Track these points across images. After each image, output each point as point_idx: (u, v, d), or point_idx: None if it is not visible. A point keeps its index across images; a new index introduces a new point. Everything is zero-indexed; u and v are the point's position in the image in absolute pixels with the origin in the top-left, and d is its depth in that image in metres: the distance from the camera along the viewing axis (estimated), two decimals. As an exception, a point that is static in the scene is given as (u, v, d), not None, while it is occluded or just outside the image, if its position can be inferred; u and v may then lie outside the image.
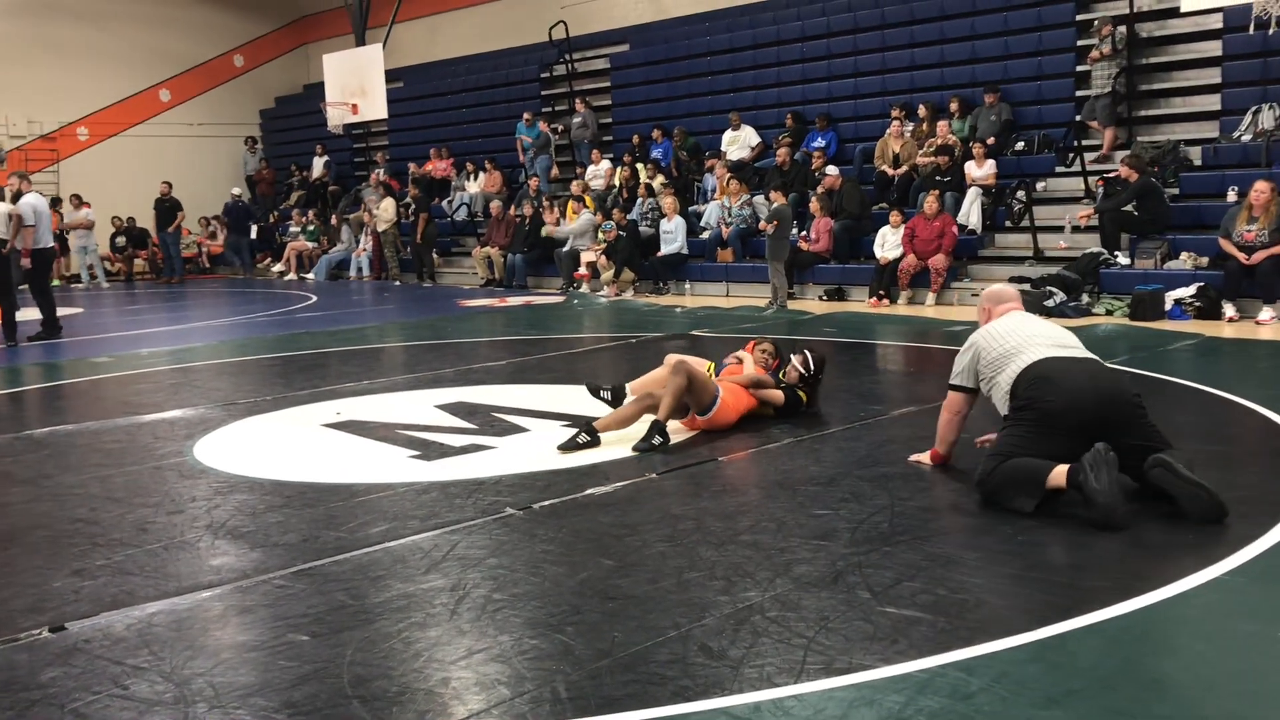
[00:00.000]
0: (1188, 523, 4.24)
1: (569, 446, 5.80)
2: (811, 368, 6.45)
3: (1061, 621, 3.31)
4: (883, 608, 3.48)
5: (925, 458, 5.30)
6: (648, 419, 5.93)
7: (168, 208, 21.50)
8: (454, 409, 7.04)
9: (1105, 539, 4.14)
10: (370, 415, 6.95)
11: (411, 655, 3.25)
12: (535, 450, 5.87)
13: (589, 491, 4.98)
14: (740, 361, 6.63)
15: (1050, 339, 4.80)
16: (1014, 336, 4.79)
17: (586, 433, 5.86)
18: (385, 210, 18.82)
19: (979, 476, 4.59)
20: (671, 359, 6.26)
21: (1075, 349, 4.77)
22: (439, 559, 4.12)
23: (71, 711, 2.96)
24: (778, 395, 6.41)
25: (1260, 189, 10.17)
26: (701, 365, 6.49)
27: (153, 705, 2.98)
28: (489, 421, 6.64)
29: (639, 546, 4.20)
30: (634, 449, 5.72)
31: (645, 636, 3.32)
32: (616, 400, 6.43)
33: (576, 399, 7.23)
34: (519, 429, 6.41)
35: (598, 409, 6.77)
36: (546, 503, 4.83)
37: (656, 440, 5.79)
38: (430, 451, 5.89)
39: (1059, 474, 4.30)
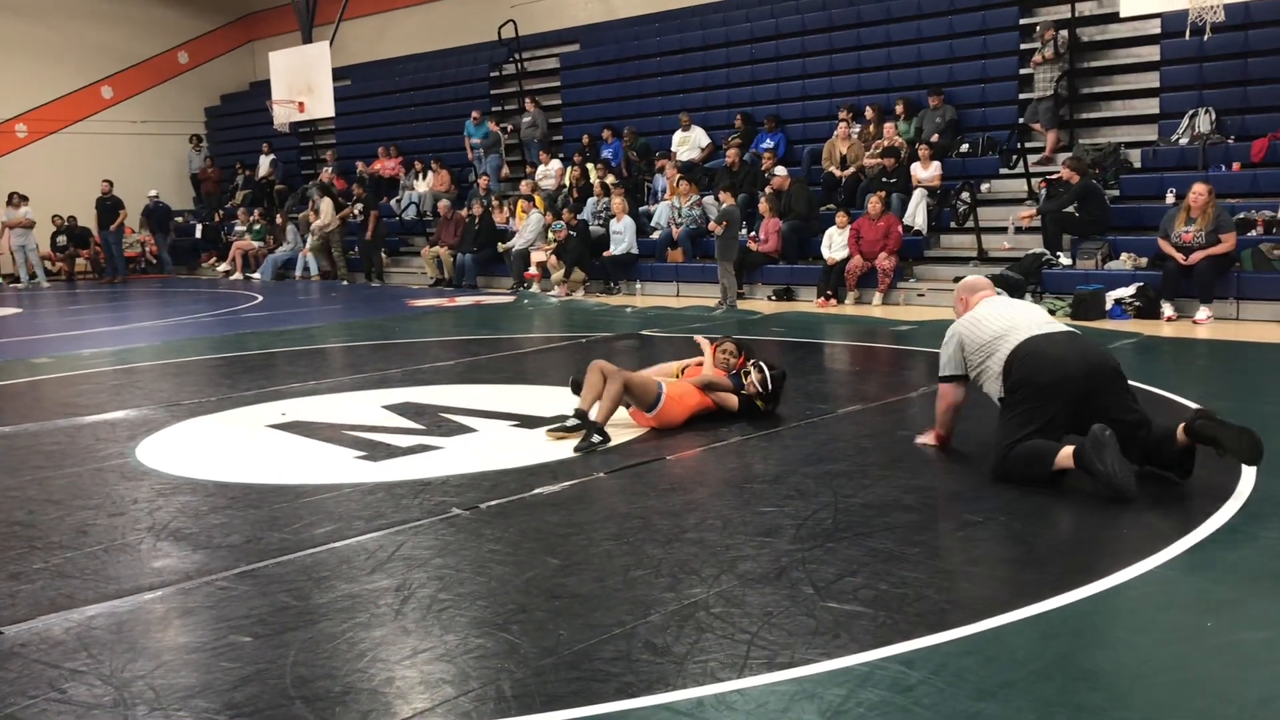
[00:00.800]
0: (1125, 517, 4.34)
1: (559, 431, 5.93)
2: (769, 386, 6.38)
3: (999, 615, 3.37)
4: (825, 603, 3.52)
5: (930, 438, 5.51)
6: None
7: (109, 206, 21.14)
8: (401, 409, 7.01)
9: (1044, 535, 4.23)
10: (316, 416, 6.90)
11: (355, 655, 3.24)
12: (483, 450, 5.87)
13: (536, 491, 4.99)
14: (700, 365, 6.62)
15: (1032, 319, 5.00)
16: (998, 321, 4.99)
17: (577, 417, 5.92)
18: (324, 210, 18.67)
19: (993, 466, 4.85)
20: (597, 364, 6.14)
21: (1058, 326, 5.01)
22: (384, 559, 4.10)
23: (7, 716, 2.92)
24: (732, 400, 6.39)
25: (1198, 191, 10.38)
26: (670, 369, 6.55)
27: (91, 709, 2.95)
28: (436, 422, 6.62)
29: (585, 545, 4.22)
30: (575, 449, 5.73)
31: (590, 634, 3.33)
32: (585, 421, 6.22)
33: (526, 399, 7.23)
34: (467, 429, 6.40)
35: (547, 408, 6.79)
36: (493, 502, 4.82)
37: (595, 439, 5.80)
38: (377, 452, 5.86)
39: (1065, 456, 4.58)
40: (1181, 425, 4.59)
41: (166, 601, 3.77)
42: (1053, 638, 3.23)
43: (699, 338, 6.87)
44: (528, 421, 6.54)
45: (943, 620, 3.35)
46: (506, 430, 6.35)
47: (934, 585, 3.65)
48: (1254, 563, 3.82)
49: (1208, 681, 2.94)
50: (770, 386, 6.39)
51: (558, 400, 7.19)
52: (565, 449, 5.77)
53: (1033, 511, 4.54)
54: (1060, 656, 3.11)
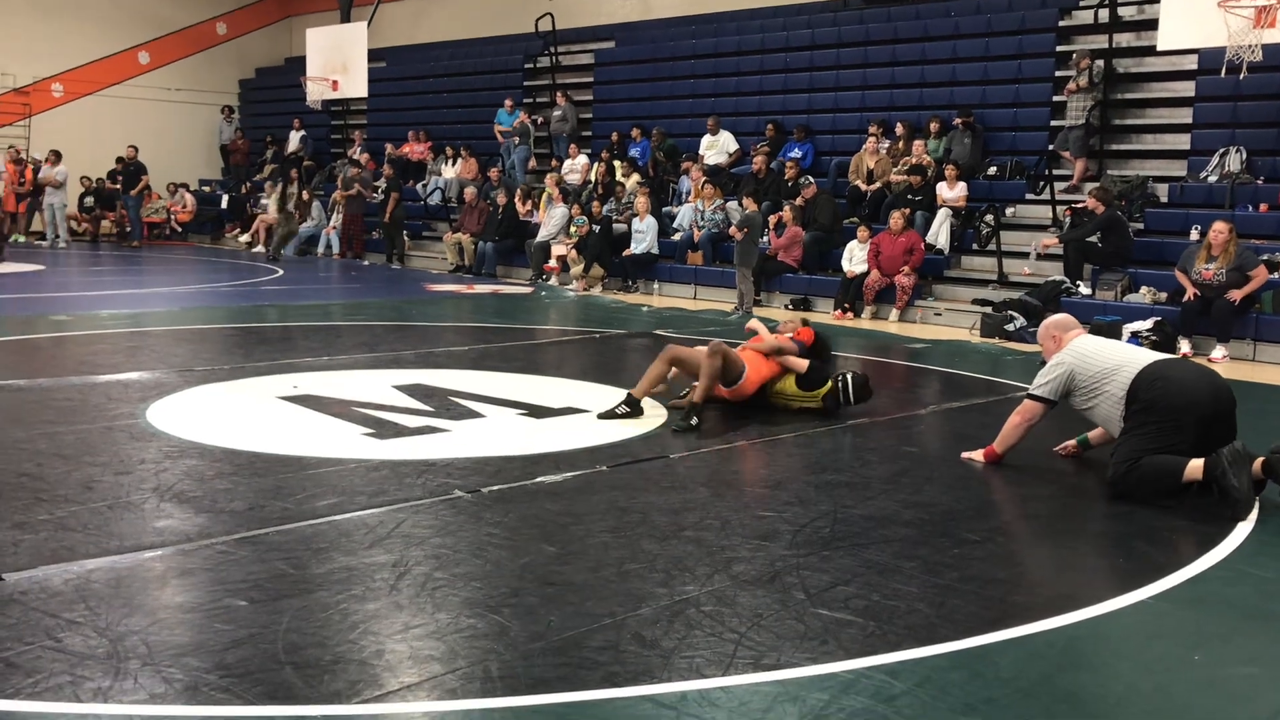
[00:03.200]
0: (1122, 547, 4.35)
1: (608, 415, 6.30)
2: (851, 395, 6.72)
3: (988, 633, 3.39)
4: (816, 609, 3.54)
5: (979, 455, 5.64)
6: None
7: (131, 171, 21.17)
8: (411, 390, 7.05)
9: (1039, 558, 4.24)
10: (327, 391, 6.94)
11: (348, 626, 3.27)
12: (489, 436, 5.90)
13: (539, 479, 5.02)
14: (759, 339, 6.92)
15: (1142, 352, 5.44)
16: (1112, 355, 5.31)
17: (627, 404, 6.32)
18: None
19: (1111, 477, 5.01)
20: (712, 343, 6.58)
21: (1169, 356, 5.42)
22: (383, 535, 4.14)
23: (2, 660, 2.97)
24: (800, 363, 6.72)
25: (1219, 229, 10.35)
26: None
27: (84, 659, 2.99)
28: (445, 405, 6.66)
29: (583, 535, 4.24)
30: (672, 429, 6.10)
31: (581, 622, 3.36)
32: (634, 410, 6.36)
33: (535, 388, 7.27)
34: (475, 414, 6.44)
35: (555, 398, 6.85)
36: (495, 487, 4.86)
37: (694, 421, 6.16)
38: (384, 430, 5.91)
39: (1195, 468, 4.77)
40: (1260, 460, 4.75)
41: (166, 561, 3.81)
42: (1039, 658, 3.25)
43: (753, 323, 7.30)
44: (535, 411, 6.58)
45: (931, 634, 3.37)
46: (514, 418, 6.38)
47: (925, 599, 3.67)
48: (1248, 600, 3.82)
49: (1189, 712, 2.95)
50: (851, 398, 6.73)
51: (567, 391, 7.25)
52: (569, 440, 5.81)
53: (1030, 535, 4.57)
54: (1044, 677, 3.12)
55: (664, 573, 3.84)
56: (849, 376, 6.78)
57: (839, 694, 2.95)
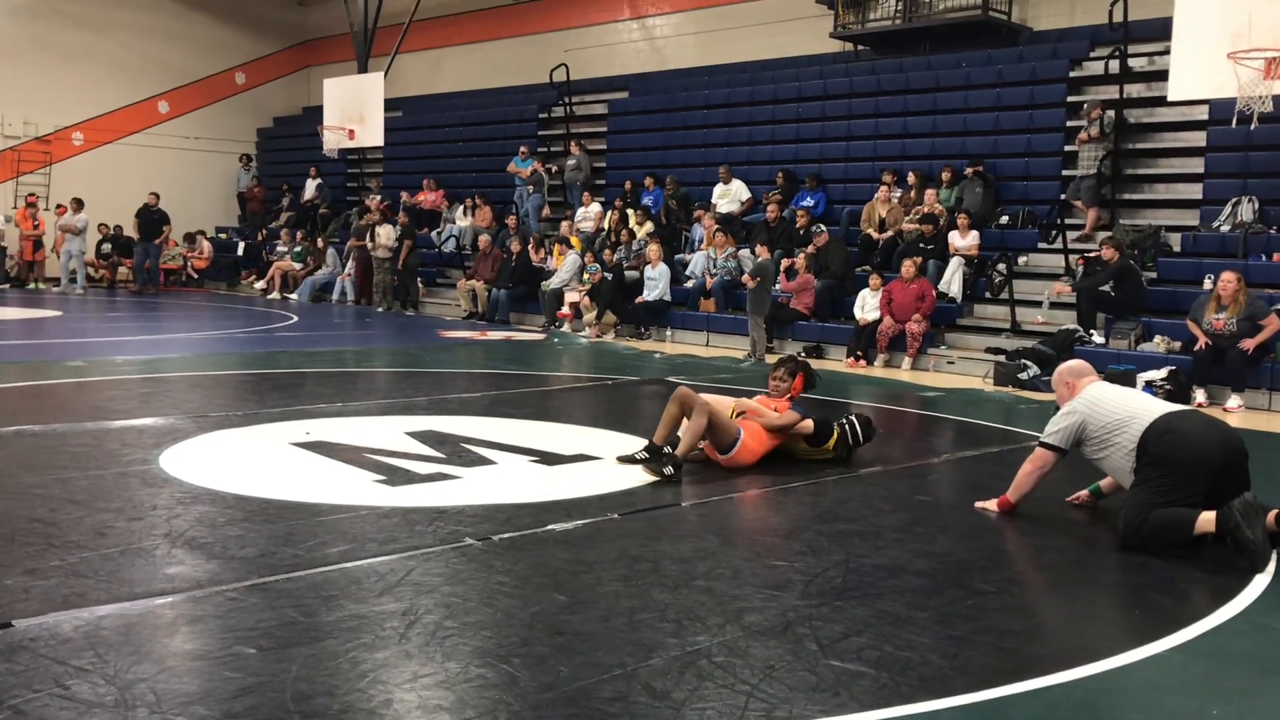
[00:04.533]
0: (1137, 598, 4.30)
1: (628, 460, 6.23)
2: (860, 436, 6.74)
3: (1002, 685, 3.35)
4: (828, 660, 3.51)
5: (992, 505, 5.61)
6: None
7: (154, 220, 21.23)
8: (424, 437, 7.06)
9: (1054, 609, 4.20)
10: (340, 437, 6.96)
11: (357, 675, 3.26)
12: (500, 483, 5.90)
13: (549, 527, 5.00)
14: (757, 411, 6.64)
15: (1157, 402, 5.46)
16: (1124, 405, 5.29)
17: (647, 451, 6.17)
18: (385, 236, 18.79)
19: (1124, 529, 4.98)
20: (683, 392, 6.34)
21: (1181, 407, 5.46)
22: (394, 583, 4.13)
23: (10, 708, 2.95)
24: (807, 425, 6.59)
25: (1227, 279, 10.36)
26: (725, 405, 6.56)
27: (92, 707, 2.98)
28: (457, 452, 6.66)
29: (593, 584, 4.22)
30: (651, 472, 6.02)
31: (591, 673, 3.34)
32: (654, 457, 6.17)
33: (547, 436, 7.27)
34: (487, 461, 6.43)
35: (567, 445, 6.84)
36: (506, 535, 4.84)
37: (668, 471, 6.01)
38: (396, 477, 5.90)
39: (1206, 521, 4.77)
40: (1275, 512, 4.73)
41: (176, 608, 3.81)
42: (1054, 711, 3.20)
43: (744, 403, 6.85)
44: (547, 458, 6.57)
45: (945, 686, 3.33)
46: (525, 465, 6.38)
47: (939, 651, 3.63)
48: (1268, 654, 3.77)
49: (1209, 769, 2.90)
50: (860, 438, 6.73)
51: (579, 438, 7.24)
52: (581, 488, 5.80)
53: (1045, 585, 4.52)
54: (1061, 732, 3.08)
55: (675, 622, 3.81)
56: (853, 419, 6.78)
57: (852, 747, 2.91)
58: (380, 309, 18.58)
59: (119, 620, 3.64)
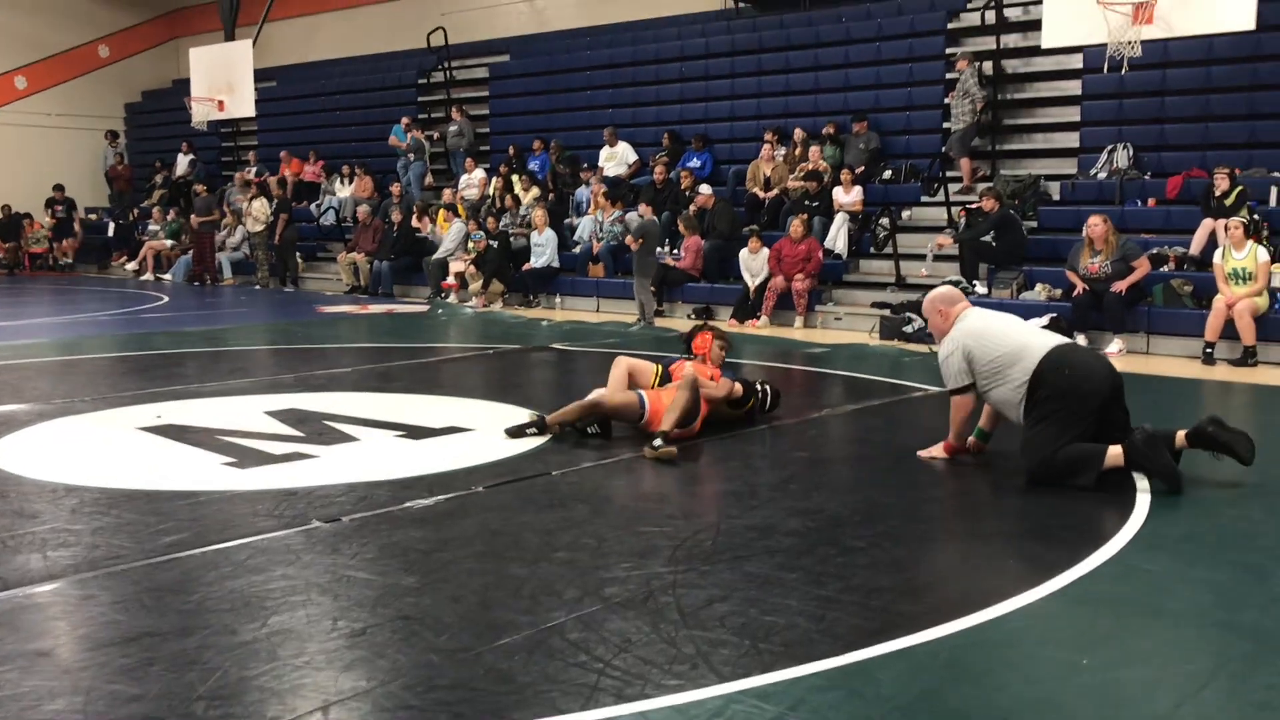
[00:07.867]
0: (1011, 547, 4.19)
1: (516, 432, 5.98)
2: (769, 404, 6.66)
3: (868, 646, 3.18)
4: (689, 630, 3.30)
5: (938, 450, 5.53)
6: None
7: (12, 224, 20.29)
8: (284, 416, 6.68)
9: (927, 564, 4.06)
10: (193, 420, 6.54)
11: (176, 672, 2.94)
12: (360, 461, 5.58)
13: (406, 505, 4.71)
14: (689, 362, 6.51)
15: (1037, 332, 5.42)
16: (1008, 336, 5.25)
17: (536, 426, 6.00)
18: (258, 210, 18.06)
19: (1035, 466, 4.98)
20: (688, 377, 6.08)
21: (1063, 338, 5.41)
22: (229, 573, 3.81)
23: None
24: (738, 389, 6.44)
25: (1093, 222, 10.46)
26: (648, 372, 6.38)
27: None
28: (318, 430, 6.30)
29: (447, 563, 3.96)
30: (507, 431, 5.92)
31: (432, 659, 3.08)
32: (542, 430, 6.04)
33: (417, 409, 6.95)
34: (349, 438, 6.09)
35: (437, 418, 6.55)
36: (357, 515, 4.54)
37: (530, 430, 5.98)
38: (246, 459, 5.54)
39: (1115, 455, 4.90)
40: (1184, 431, 4.94)
41: (-25, 613, 3.44)
42: (922, 672, 3.05)
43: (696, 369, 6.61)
44: (414, 432, 6.26)
45: (809, 651, 3.15)
46: (390, 440, 6.06)
47: (805, 613, 3.45)
48: (1138, 598, 3.68)
49: (1077, 723, 2.77)
50: (771, 404, 6.68)
51: (452, 410, 6.94)
52: (448, 461, 5.51)
53: (918, 538, 4.38)
54: (927, 693, 2.92)
55: (529, 599, 3.57)
56: (768, 387, 6.71)
57: (705, 724, 2.71)
58: (258, 286, 17.90)
59: (-96, 631, 3.27)
